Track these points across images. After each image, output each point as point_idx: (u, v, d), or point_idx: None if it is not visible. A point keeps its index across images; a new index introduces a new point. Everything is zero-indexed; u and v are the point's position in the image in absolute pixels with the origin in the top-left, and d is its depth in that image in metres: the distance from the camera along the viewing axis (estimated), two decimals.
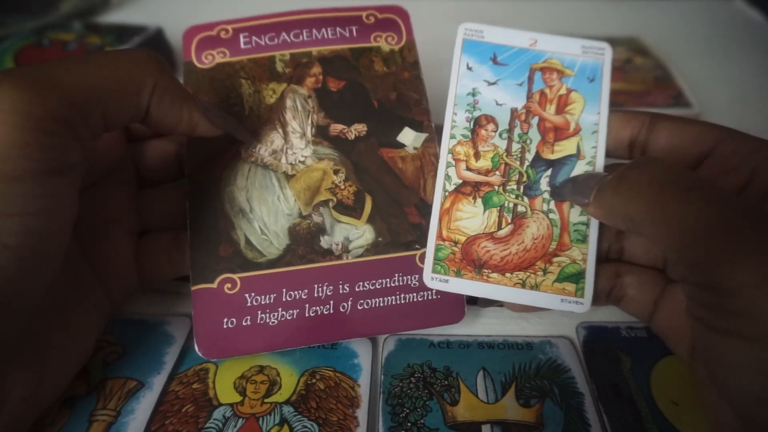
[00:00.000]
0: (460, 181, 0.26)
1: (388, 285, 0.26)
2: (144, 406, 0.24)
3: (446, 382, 0.25)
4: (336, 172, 0.28)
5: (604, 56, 0.27)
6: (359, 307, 0.26)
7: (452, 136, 0.27)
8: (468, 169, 0.26)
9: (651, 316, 0.25)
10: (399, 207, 0.27)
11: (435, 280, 0.25)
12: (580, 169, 0.26)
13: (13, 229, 0.17)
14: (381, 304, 0.26)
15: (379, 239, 0.27)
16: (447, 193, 0.26)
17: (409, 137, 0.28)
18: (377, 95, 0.29)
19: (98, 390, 0.25)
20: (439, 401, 0.24)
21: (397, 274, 0.26)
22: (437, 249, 0.26)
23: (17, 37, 0.49)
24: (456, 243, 0.26)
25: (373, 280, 0.26)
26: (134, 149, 0.28)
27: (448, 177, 0.26)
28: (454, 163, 0.26)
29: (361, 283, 0.26)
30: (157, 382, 0.25)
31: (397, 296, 0.26)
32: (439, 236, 0.26)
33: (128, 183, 0.28)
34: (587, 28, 0.54)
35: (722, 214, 0.17)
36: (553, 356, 0.26)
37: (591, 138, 0.26)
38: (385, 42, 0.30)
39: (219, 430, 0.23)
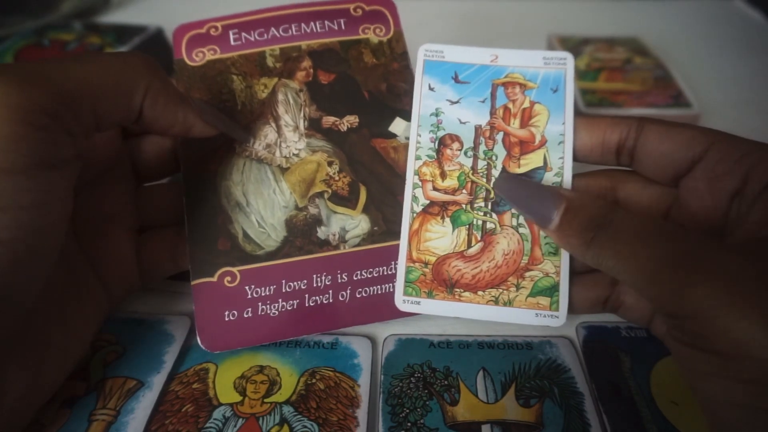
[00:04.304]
0: (428, 202, 0.26)
1: (385, 273, 0.27)
2: (144, 405, 0.24)
3: (446, 382, 0.25)
4: (330, 163, 0.28)
5: (567, 66, 0.27)
6: (358, 296, 0.26)
7: (417, 157, 0.27)
8: (435, 189, 0.26)
9: (650, 322, 0.25)
10: (393, 196, 0.28)
11: (407, 303, 0.26)
12: (548, 180, 0.26)
13: (5, 223, 0.17)
14: (379, 292, 0.26)
15: (375, 228, 0.27)
16: (415, 215, 0.26)
17: (400, 127, 0.29)
18: (367, 87, 0.29)
19: (98, 389, 0.25)
20: (439, 401, 0.24)
21: (393, 262, 0.27)
22: (408, 271, 0.26)
23: (18, 37, 0.49)
24: (426, 264, 0.26)
25: (370, 268, 0.27)
26: (130, 145, 0.28)
27: (415, 198, 0.26)
28: (420, 184, 0.27)
29: (358, 272, 0.26)
30: (157, 381, 0.25)
31: (394, 283, 0.26)
32: (409, 258, 0.26)
33: (126, 180, 0.28)
34: (587, 28, 0.54)
35: (677, 253, 0.19)
36: (553, 356, 0.26)
37: (557, 149, 0.26)
38: (373, 34, 0.30)
39: (219, 430, 0.23)
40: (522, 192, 0.24)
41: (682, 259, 0.18)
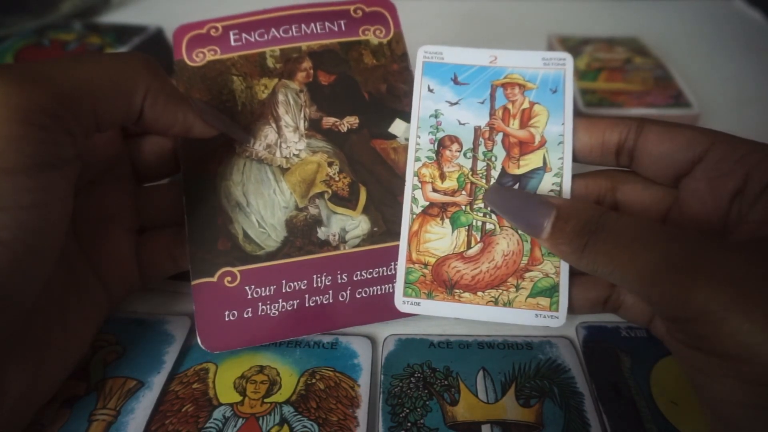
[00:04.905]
0: (427, 203, 0.26)
1: (385, 273, 0.27)
2: (144, 405, 0.24)
3: (446, 382, 0.25)
4: (330, 164, 0.28)
5: (566, 66, 0.27)
6: (358, 296, 0.26)
7: (417, 159, 0.27)
8: (434, 190, 0.26)
9: (650, 322, 0.25)
10: (393, 197, 0.28)
11: (407, 304, 0.26)
12: (547, 181, 0.26)
13: (5, 223, 0.17)
14: (379, 292, 0.26)
15: (375, 229, 0.27)
16: (414, 216, 0.26)
17: (400, 128, 0.29)
18: (368, 88, 0.29)
19: (98, 389, 0.25)
20: (439, 401, 0.24)
21: (393, 263, 0.27)
22: (407, 272, 0.26)
23: (18, 37, 0.49)
24: (426, 265, 0.26)
25: (370, 269, 0.27)
26: (131, 146, 0.28)
27: (414, 199, 0.26)
28: (420, 185, 0.27)
29: (358, 273, 0.27)
30: (157, 381, 0.25)
31: (394, 284, 0.26)
32: (409, 259, 0.26)
33: (126, 180, 0.28)
34: (587, 28, 0.54)
35: (676, 254, 0.19)
36: (553, 356, 0.26)
37: (557, 149, 0.26)
38: (373, 35, 0.30)
39: (219, 430, 0.23)
40: (511, 203, 0.24)
41: (683, 261, 0.18)
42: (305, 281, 0.26)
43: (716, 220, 0.23)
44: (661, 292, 0.19)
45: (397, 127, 0.29)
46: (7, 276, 0.18)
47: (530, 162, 0.26)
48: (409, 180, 0.27)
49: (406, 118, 0.29)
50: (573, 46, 0.49)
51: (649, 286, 0.19)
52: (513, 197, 0.24)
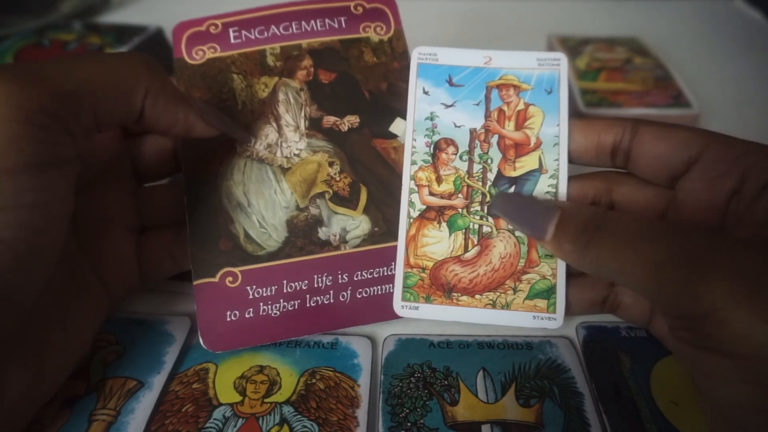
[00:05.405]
0: (424, 207, 0.26)
1: (385, 273, 0.27)
2: (144, 405, 0.24)
3: (446, 382, 0.25)
4: (331, 164, 0.28)
5: (560, 67, 0.27)
6: (358, 296, 0.26)
7: (413, 162, 0.27)
8: (431, 194, 0.26)
9: (649, 322, 0.25)
10: (393, 197, 0.28)
11: (405, 308, 0.26)
12: (543, 183, 0.26)
13: (6, 223, 0.17)
14: (379, 292, 0.27)
15: (375, 229, 0.27)
16: (412, 220, 0.26)
17: (400, 127, 0.29)
18: (368, 86, 0.29)
19: (98, 390, 0.25)
20: (439, 401, 0.24)
21: (393, 263, 0.27)
22: (405, 276, 0.26)
23: (18, 37, 0.49)
24: (424, 269, 0.26)
25: (371, 269, 0.27)
26: (131, 145, 0.28)
27: (411, 203, 0.26)
28: (416, 189, 0.27)
29: (359, 273, 0.27)
30: (157, 381, 0.25)
31: (395, 284, 0.26)
32: (407, 263, 0.26)
33: (126, 180, 0.28)
34: (587, 28, 0.54)
35: (683, 250, 0.18)
36: (553, 356, 0.26)
37: (553, 151, 0.26)
38: (374, 32, 0.30)
39: (219, 430, 0.23)
40: (516, 208, 0.24)
41: (689, 256, 0.18)
42: (306, 281, 0.26)
43: (714, 220, 0.23)
44: (668, 290, 0.18)
45: (397, 126, 0.29)
46: (7, 276, 0.18)
47: (526, 164, 0.26)
48: (406, 184, 0.27)
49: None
50: (573, 46, 0.49)
51: (654, 282, 0.19)
52: (518, 202, 0.25)
